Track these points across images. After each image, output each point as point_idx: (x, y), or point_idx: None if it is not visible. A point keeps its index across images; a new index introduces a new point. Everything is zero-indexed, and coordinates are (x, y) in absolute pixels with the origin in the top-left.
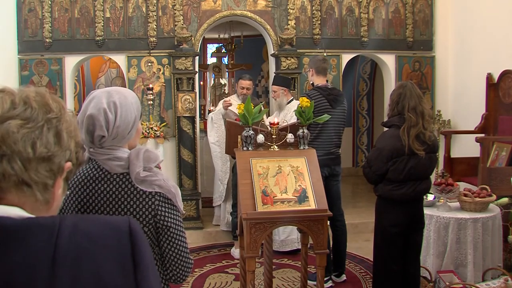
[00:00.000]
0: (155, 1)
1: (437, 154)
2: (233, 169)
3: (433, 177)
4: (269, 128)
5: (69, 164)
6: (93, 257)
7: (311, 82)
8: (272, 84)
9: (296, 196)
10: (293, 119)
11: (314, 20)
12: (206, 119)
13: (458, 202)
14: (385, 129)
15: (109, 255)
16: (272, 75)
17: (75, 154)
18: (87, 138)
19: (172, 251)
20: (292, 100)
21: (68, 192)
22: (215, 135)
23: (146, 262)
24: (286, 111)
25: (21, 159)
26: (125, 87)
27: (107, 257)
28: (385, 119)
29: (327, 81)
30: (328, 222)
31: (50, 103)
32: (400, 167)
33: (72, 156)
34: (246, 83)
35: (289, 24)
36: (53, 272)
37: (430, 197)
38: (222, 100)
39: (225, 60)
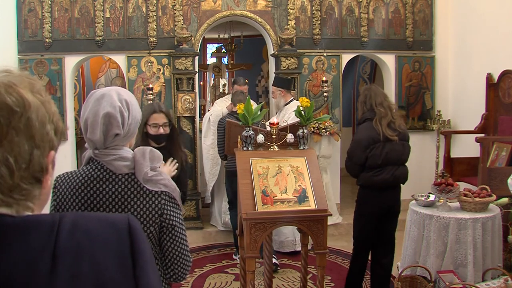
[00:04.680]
0: (155, 1)
1: (409, 142)
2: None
3: (432, 177)
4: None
5: (52, 153)
6: (92, 254)
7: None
8: (272, 85)
9: (296, 196)
10: (290, 120)
11: (314, 20)
12: None
13: (458, 202)
14: None
15: (109, 252)
16: (272, 75)
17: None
18: (101, 137)
19: (175, 250)
20: (291, 100)
21: (70, 193)
22: (212, 137)
23: (146, 259)
24: (284, 112)
25: None
26: (125, 87)
27: (106, 254)
28: None
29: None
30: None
31: (8, 101)
32: (377, 152)
33: (53, 141)
34: (243, 88)
35: (289, 24)
36: (53, 269)
37: (430, 197)
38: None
39: (225, 60)
